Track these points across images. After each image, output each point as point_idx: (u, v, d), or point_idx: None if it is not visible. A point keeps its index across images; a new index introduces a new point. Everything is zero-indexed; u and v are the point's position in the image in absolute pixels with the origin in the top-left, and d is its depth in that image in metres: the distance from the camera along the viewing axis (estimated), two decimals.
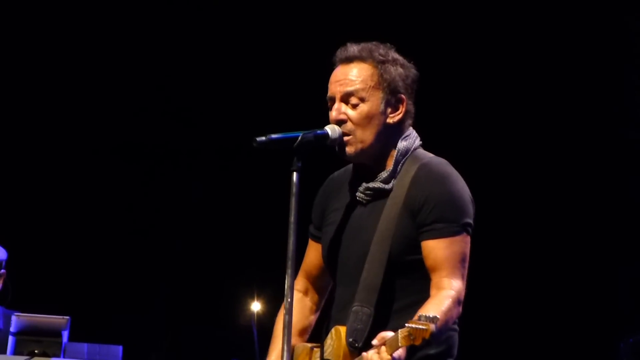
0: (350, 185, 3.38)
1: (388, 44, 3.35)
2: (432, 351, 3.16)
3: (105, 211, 8.28)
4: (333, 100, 3.31)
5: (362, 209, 3.33)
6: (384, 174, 3.30)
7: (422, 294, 3.15)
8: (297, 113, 5.52)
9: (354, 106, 3.28)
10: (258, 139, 3.21)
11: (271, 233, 5.52)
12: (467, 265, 3.20)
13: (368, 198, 3.32)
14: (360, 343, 3.14)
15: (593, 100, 7.78)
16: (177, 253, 8.52)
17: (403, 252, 3.21)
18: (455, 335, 3.27)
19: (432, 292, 3.13)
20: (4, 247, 5.83)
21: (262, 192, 7.79)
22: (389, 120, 3.30)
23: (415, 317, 2.89)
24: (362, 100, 3.28)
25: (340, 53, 3.33)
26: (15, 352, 5.16)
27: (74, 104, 8.17)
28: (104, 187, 8.27)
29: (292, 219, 3.13)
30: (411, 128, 3.36)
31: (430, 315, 2.85)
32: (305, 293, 3.53)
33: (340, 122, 3.27)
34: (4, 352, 5.25)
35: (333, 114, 3.30)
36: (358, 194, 3.34)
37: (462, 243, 3.19)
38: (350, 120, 3.27)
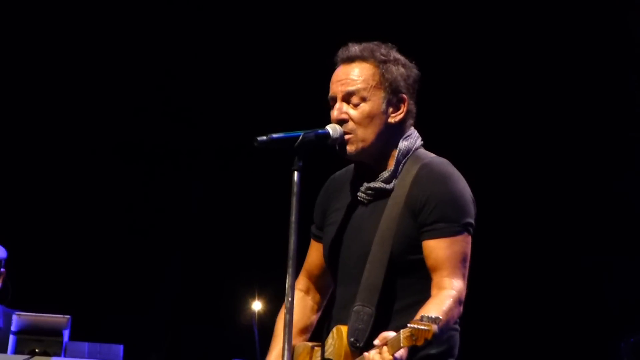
0: (352, 185, 3.38)
1: (389, 44, 3.36)
2: (433, 351, 3.16)
3: (105, 211, 8.28)
4: (334, 99, 3.31)
5: (364, 208, 3.33)
6: (385, 174, 3.30)
7: (423, 294, 3.15)
8: (298, 112, 5.53)
9: (356, 106, 3.28)
10: (259, 138, 3.21)
11: (272, 232, 5.53)
12: (468, 265, 3.20)
13: (369, 198, 3.32)
14: (361, 343, 3.14)
15: (593, 100, 7.78)
16: (177, 253, 8.53)
17: (404, 252, 3.21)
18: (457, 335, 3.27)
19: (433, 292, 3.13)
20: (4, 246, 5.83)
21: (263, 192, 7.79)
22: (391, 120, 3.30)
23: (417, 317, 2.88)
24: (364, 99, 3.28)
25: (342, 53, 3.33)
26: (16, 351, 5.16)
27: (74, 104, 8.17)
28: (105, 187, 8.28)
29: (293, 218, 3.13)
30: (412, 128, 3.36)
31: (433, 316, 2.85)
32: (307, 292, 3.53)
33: (341, 122, 3.28)
34: (4, 351, 5.25)
35: (334, 113, 3.30)
36: (359, 193, 3.34)
37: (463, 243, 3.19)
38: (352, 120, 3.27)
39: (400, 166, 3.30)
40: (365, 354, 3.03)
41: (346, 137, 3.27)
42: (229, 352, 7.41)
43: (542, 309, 7.87)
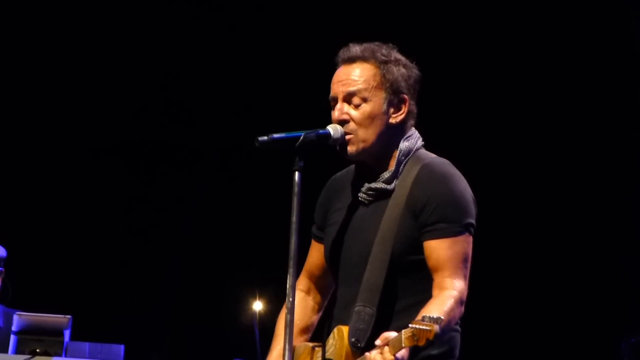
0: (353, 186, 3.39)
1: (390, 44, 3.36)
2: (434, 351, 3.16)
3: (106, 211, 8.28)
4: (335, 100, 3.32)
5: (365, 209, 3.33)
6: (386, 174, 3.30)
7: (425, 294, 3.15)
8: (299, 113, 5.53)
9: (357, 106, 3.28)
10: (260, 138, 3.21)
11: (273, 232, 5.53)
12: (469, 265, 3.20)
13: (370, 198, 3.32)
14: (362, 343, 3.14)
15: (594, 100, 7.78)
16: (177, 253, 8.53)
17: (405, 253, 3.21)
18: (457, 336, 3.27)
19: (435, 292, 3.13)
20: (4, 246, 5.83)
21: (264, 192, 7.79)
22: (392, 121, 3.30)
23: (419, 318, 2.88)
24: (365, 100, 3.28)
25: (343, 53, 3.33)
26: (17, 351, 5.16)
27: (74, 104, 8.17)
28: (106, 187, 8.28)
29: (294, 218, 3.13)
30: (413, 128, 3.36)
31: (434, 316, 2.85)
32: (308, 293, 3.53)
33: (342, 122, 3.28)
34: (5, 351, 5.25)
35: (335, 113, 3.30)
36: (360, 194, 3.34)
37: (464, 243, 3.19)
38: (353, 120, 3.27)
39: (401, 167, 3.30)
40: (367, 354, 3.03)
41: (347, 137, 3.27)
42: (229, 352, 7.40)
43: (543, 309, 7.87)
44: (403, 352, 2.96)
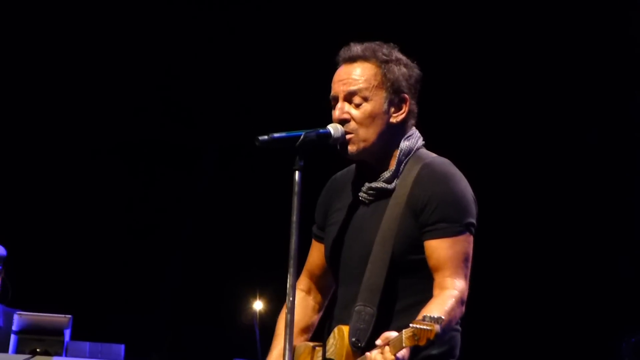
0: (353, 185, 3.38)
1: (391, 44, 3.36)
2: (434, 351, 3.16)
3: (107, 210, 8.28)
4: (336, 99, 3.31)
5: (365, 208, 3.33)
6: (386, 174, 3.30)
7: (425, 294, 3.15)
8: (299, 112, 5.53)
9: (357, 105, 3.28)
10: (260, 137, 3.21)
11: (273, 232, 5.53)
12: (470, 265, 3.20)
13: (371, 198, 3.32)
14: (363, 343, 3.14)
15: (594, 100, 7.78)
16: (177, 253, 8.53)
17: (406, 252, 3.21)
18: (458, 336, 3.27)
19: (435, 292, 3.13)
20: (4, 246, 5.84)
21: (264, 192, 7.79)
22: (392, 120, 3.30)
23: (420, 317, 2.88)
24: (366, 99, 3.28)
25: (344, 52, 3.33)
26: (18, 351, 5.17)
27: (74, 104, 8.17)
28: (105, 187, 8.28)
29: (294, 218, 3.13)
30: (414, 128, 3.36)
31: (435, 316, 2.84)
32: (308, 292, 3.53)
33: (343, 122, 3.27)
34: (5, 351, 5.26)
35: (336, 113, 3.30)
36: (361, 193, 3.34)
37: (465, 243, 3.19)
38: (353, 120, 3.27)
39: (402, 166, 3.30)
40: (367, 354, 3.03)
41: (347, 137, 3.27)
42: (230, 352, 7.40)
43: (543, 309, 7.86)
44: (404, 352, 2.95)
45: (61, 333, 5.21)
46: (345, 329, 3.19)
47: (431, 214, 3.19)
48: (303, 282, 3.52)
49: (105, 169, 8.28)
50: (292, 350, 3.13)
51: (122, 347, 5.50)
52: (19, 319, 5.20)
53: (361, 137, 3.27)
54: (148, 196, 8.43)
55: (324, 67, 3.51)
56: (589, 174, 7.79)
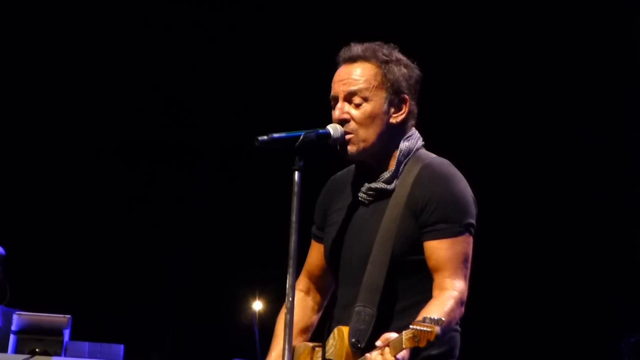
0: (353, 186, 3.38)
1: (392, 44, 3.35)
2: (434, 351, 3.16)
3: (107, 210, 8.28)
4: (336, 99, 3.31)
5: (365, 209, 3.33)
6: (386, 174, 3.29)
7: (425, 295, 3.14)
8: (299, 112, 5.52)
9: (357, 106, 3.28)
10: (260, 138, 3.20)
11: (273, 232, 5.52)
12: (469, 265, 3.19)
13: (370, 198, 3.31)
14: (362, 343, 3.13)
15: (594, 100, 7.78)
16: (177, 253, 8.52)
17: (405, 253, 3.20)
18: (457, 336, 3.26)
19: (435, 292, 3.13)
20: (3, 245, 5.83)
21: (264, 192, 7.79)
22: (392, 120, 3.30)
23: (420, 319, 2.87)
24: (366, 99, 3.27)
25: (344, 52, 3.33)
26: (17, 351, 5.17)
27: (75, 104, 8.17)
28: (105, 187, 8.28)
29: (293, 218, 3.12)
30: (414, 128, 3.36)
31: (435, 317, 2.84)
32: (308, 293, 3.52)
33: (343, 122, 3.27)
34: (4, 351, 5.25)
35: (336, 113, 3.29)
36: (360, 194, 3.33)
37: (464, 244, 3.19)
38: (353, 120, 3.27)
39: (402, 167, 3.29)
40: (367, 354, 3.03)
41: (347, 137, 3.26)
42: (229, 352, 7.41)
43: (543, 309, 7.87)
44: (404, 353, 2.95)
45: (60, 333, 5.21)
46: (345, 329, 3.19)
47: (431, 215, 3.18)
48: (302, 283, 3.51)
49: (106, 169, 8.28)
50: (292, 350, 3.13)
51: (121, 347, 5.50)
52: (18, 319, 5.20)
53: (361, 137, 3.26)
54: (148, 196, 8.43)
55: (324, 67, 3.51)
56: (588, 174, 7.79)
